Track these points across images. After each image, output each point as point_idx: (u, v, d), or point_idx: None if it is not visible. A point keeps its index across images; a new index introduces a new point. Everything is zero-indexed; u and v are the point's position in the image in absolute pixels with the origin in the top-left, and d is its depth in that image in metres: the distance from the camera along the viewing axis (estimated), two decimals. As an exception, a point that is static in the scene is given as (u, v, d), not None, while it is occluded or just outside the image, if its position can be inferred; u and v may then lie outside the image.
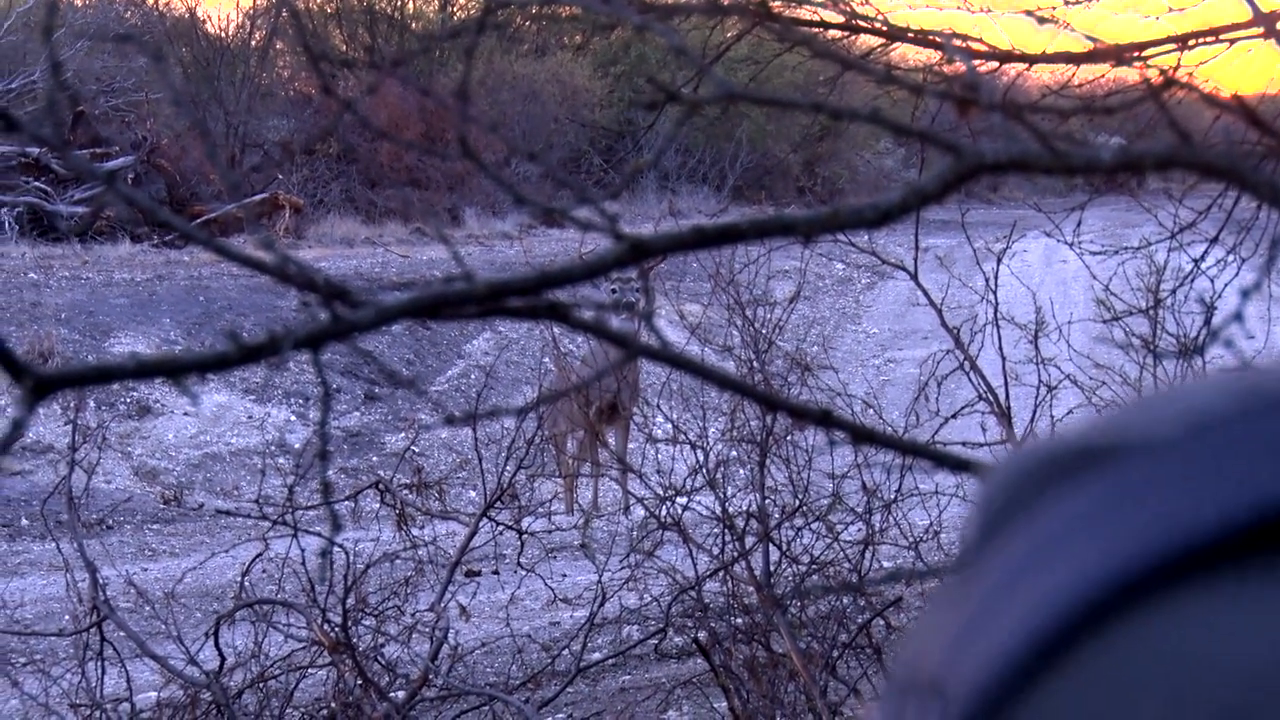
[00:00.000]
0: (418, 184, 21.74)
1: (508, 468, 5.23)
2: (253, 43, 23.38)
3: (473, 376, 12.21)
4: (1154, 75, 3.22)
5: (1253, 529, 0.39)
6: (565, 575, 6.31)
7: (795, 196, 24.79)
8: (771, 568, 4.54)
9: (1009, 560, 0.43)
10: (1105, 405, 5.20)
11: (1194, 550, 0.39)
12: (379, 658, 4.36)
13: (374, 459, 10.57)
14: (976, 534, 0.45)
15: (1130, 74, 4.21)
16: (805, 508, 4.61)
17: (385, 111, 19.32)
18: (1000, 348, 5.03)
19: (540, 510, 5.33)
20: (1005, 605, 0.41)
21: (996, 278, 5.05)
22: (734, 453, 4.91)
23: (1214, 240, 4.33)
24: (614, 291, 7.95)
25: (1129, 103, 1.38)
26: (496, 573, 5.85)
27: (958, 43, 3.63)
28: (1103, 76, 4.23)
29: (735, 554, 4.45)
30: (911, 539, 4.71)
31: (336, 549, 4.47)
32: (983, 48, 3.84)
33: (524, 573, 5.15)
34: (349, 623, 4.46)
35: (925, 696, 0.42)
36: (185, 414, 11.17)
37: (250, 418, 11.41)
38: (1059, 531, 0.42)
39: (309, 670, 4.44)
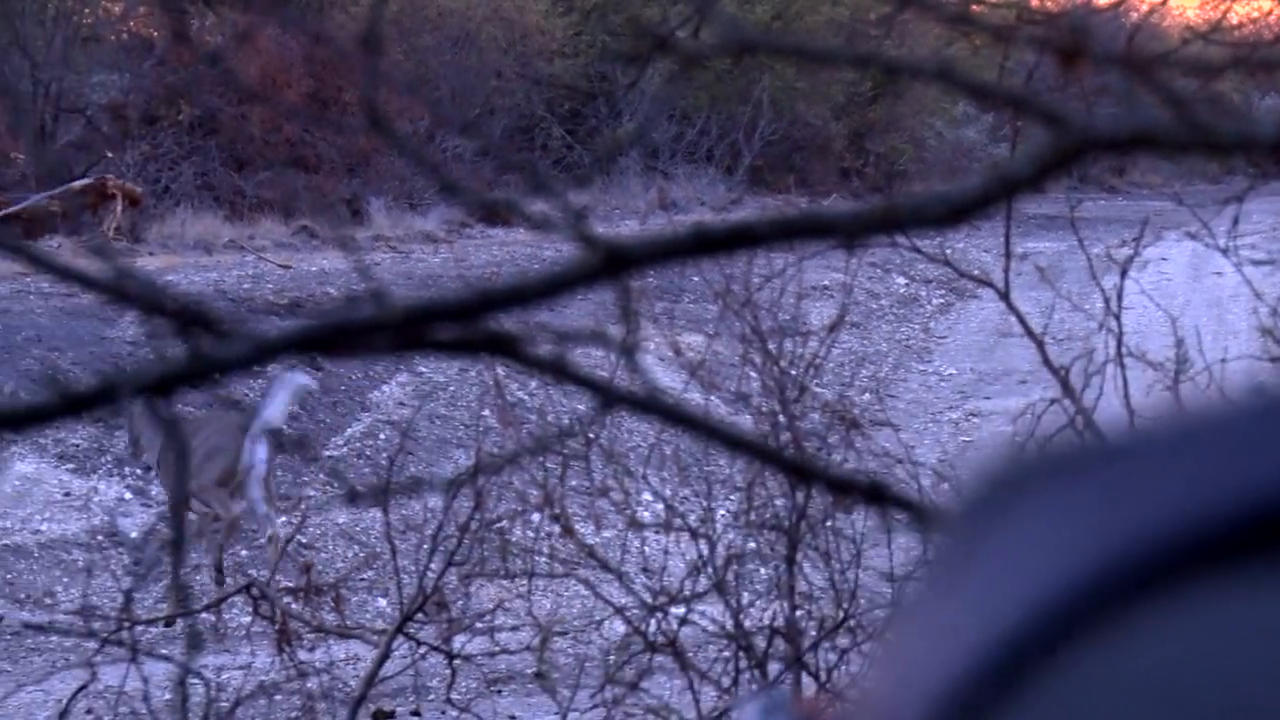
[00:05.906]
0: (304, 166, 18.10)
1: (433, 565, 4.41)
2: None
3: (382, 436, 11.08)
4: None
5: (1241, 529, 0.37)
6: (514, 717, 5.60)
7: (837, 182, 20.57)
8: (806, 705, 3.88)
9: (964, 584, 0.41)
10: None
11: (1172, 554, 0.37)
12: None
13: (243, 553, 9.35)
14: (943, 556, 0.44)
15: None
16: (852, 621, 4.15)
17: (258, 63, 16.16)
18: (1126, 396, 4.22)
19: (479, 625, 4.71)
20: (958, 628, 0.40)
21: (1121, 297, 4.28)
22: (751, 544, 4.41)
23: None
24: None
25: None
26: (417, 714, 5.25)
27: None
28: (1270, 14, 3.62)
29: (754, 686, 3.81)
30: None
31: (194, 679, 3.77)
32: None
33: (457, 713, 4.60)
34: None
35: None
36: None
37: (69, 495, 10.05)
38: (1019, 545, 0.40)
39: None
